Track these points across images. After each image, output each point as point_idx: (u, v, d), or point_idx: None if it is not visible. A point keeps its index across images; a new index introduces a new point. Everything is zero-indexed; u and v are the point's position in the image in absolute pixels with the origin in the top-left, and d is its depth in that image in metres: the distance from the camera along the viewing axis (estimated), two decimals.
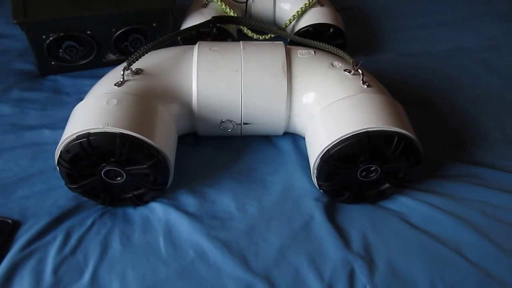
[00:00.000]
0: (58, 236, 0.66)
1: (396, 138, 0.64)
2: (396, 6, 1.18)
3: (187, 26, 0.89)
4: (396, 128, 0.65)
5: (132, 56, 0.70)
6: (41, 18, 0.82)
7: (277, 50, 0.76)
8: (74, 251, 0.65)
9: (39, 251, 0.64)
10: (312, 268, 0.64)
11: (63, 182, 0.67)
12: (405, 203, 0.73)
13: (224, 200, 0.72)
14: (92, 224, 0.68)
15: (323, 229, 0.69)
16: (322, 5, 0.97)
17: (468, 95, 0.94)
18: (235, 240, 0.67)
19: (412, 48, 1.06)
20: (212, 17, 0.87)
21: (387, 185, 0.72)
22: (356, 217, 0.71)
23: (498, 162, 0.81)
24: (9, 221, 0.67)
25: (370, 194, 0.72)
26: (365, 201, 0.73)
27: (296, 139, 0.82)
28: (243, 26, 0.95)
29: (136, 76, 0.71)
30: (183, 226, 0.68)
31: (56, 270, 0.62)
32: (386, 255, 0.66)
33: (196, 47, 0.76)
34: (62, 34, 0.84)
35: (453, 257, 0.66)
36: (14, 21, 0.80)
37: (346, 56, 0.75)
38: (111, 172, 0.66)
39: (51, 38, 0.84)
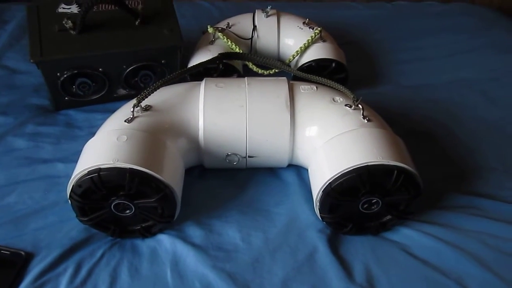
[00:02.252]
0: (69, 268, 0.68)
1: (395, 171, 0.66)
2: (396, 40, 1.21)
3: (194, 63, 0.93)
4: (396, 162, 0.67)
5: (142, 93, 0.73)
6: (57, 57, 0.86)
7: (281, 86, 0.79)
8: (84, 282, 0.67)
9: (51, 282, 0.66)
10: None
11: (75, 215, 0.70)
12: (407, 234, 0.75)
13: (230, 231, 0.74)
14: (102, 256, 0.70)
15: (326, 261, 0.70)
16: (324, 41, 1.01)
17: (468, 127, 0.96)
18: (240, 272, 0.68)
19: (412, 80, 1.08)
20: (219, 54, 0.91)
21: (388, 217, 0.73)
22: (359, 248, 0.73)
23: (499, 193, 0.82)
24: (22, 253, 0.69)
25: (372, 226, 0.74)
26: (368, 233, 0.74)
27: (300, 171, 0.84)
28: (249, 61, 0.98)
29: (145, 113, 0.74)
30: (189, 258, 0.69)
31: None
32: (389, 286, 0.68)
33: (202, 83, 0.79)
34: (75, 71, 0.88)
35: None
36: (31, 60, 0.84)
37: (347, 92, 0.78)
38: (121, 205, 0.69)
39: (65, 75, 0.88)
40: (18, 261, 0.68)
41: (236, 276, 0.67)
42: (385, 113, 0.80)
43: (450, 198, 0.81)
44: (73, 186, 0.66)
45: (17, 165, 0.83)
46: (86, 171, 0.65)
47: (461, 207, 0.79)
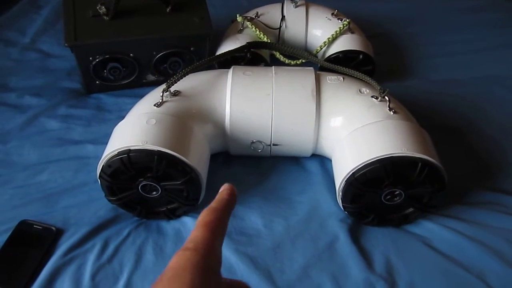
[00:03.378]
0: (96, 245, 0.71)
1: (420, 164, 0.66)
2: (425, 34, 1.19)
3: (223, 51, 0.94)
4: (420, 154, 0.67)
5: (171, 79, 0.75)
6: (90, 42, 0.88)
7: (307, 76, 0.80)
8: (110, 259, 0.69)
9: (79, 257, 0.69)
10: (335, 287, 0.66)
11: (103, 194, 0.72)
12: (429, 228, 0.74)
13: (252, 217, 0.75)
14: (128, 235, 0.72)
15: (347, 250, 0.71)
16: (352, 32, 1.00)
17: (495, 123, 0.95)
18: (261, 256, 0.70)
19: (439, 75, 1.07)
20: (247, 42, 0.92)
21: (411, 209, 0.73)
22: (380, 239, 0.73)
23: None
24: (53, 228, 0.72)
25: (394, 218, 0.74)
26: (389, 224, 0.75)
27: (323, 161, 0.85)
28: (276, 51, 0.99)
29: (174, 98, 0.76)
30: None
31: (94, 276, 0.67)
32: (409, 278, 0.68)
33: (230, 71, 0.80)
34: (107, 56, 0.90)
35: (476, 283, 0.67)
36: (66, 44, 0.86)
37: (374, 83, 0.78)
38: (148, 187, 0.71)
39: (97, 60, 0.90)
40: (49, 236, 0.71)
41: (257, 260, 0.69)
42: (411, 107, 0.79)
43: (475, 194, 0.80)
44: (103, 166, 0.68)
45: (49, 145, 0.87)
46: (116, 152, 0.67)
47: (486, 203, 0.79)
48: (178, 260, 0.29)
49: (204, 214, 0.34)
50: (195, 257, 0.29)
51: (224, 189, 0.35)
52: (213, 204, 0.34)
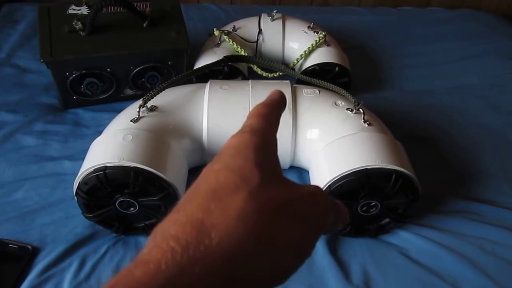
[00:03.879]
0: (74, 263, 0.70)
1: (394, 175, 0.67)
2: (401, 45, 1.22)
3: (200, 64, 0.95)
4: (394, 166, 0.68)
5: (148, 94, 0.75)
6: (66, 58, 0.88)
7: (284, 89, 0.80)
8: (88, 277, 0.68)
9: (56, 276, 0.68)
10: None
11: (80, 211, 0.72)
12: (405, 238, 0.76)
13: None
14: (106, 252, 0.72)
15: (324, 261, 0.71)
16: (328, 45, 1.02)
17: (469, 132, 0.97)
18: None
19: (415, 85, 1.10)
20: (224, 56, 0.93)
21: (387, 220, 0.74)
22: (357, 250, 0.74)
23: (498, 199, 0.83)
24: (29, 247, 0.71)
25: (370, 228, 0.75)
26: (366, 235, 0.76)
27: (301, 173, 0.86)
28: (253, 64, 1.00)
29: (151, 113, 0.76)
30: None
31: None
32: None
33: (207, 85, 0.81)
34: (84, 71, 0.90)
35: None
36: (41, 60, 0.86)
37: (349, 96, 0.79)
38: (125, 203, 0.70)
39: (74, 75, 0.90)
40: (25, 255, 0.70)
41: None
42: (386, 118, 0.81)
43: (449, 203, 0.82)
44: (79, 183, 0.68)
45: (25, 162, 0.86)
46: (92, 169, 0.67)
47: (460, 212, 0.80)
48: (238, 139, 0.28)
49: (257, 108, 0.31)
50: (255, 137, 0.28)
51: (273, 92, 0.33)
52: (265, 101, 0.32)
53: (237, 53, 0.99)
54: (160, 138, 0.73)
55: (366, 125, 0.75)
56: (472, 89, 1.09)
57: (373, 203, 0.71)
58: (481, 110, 1.03)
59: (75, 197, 0.70)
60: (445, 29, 1.30)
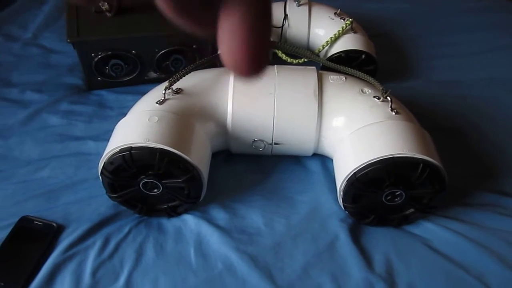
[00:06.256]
0: (97, 241, 0.71)
1: (421, 165, 0.66)
2: (427, 35, 1.20)
3: None
4: (422, 155, 0.67)
5: (174, 76, 0.75)
6: (92, 38, 0.88)
7: (310, 75, 0.80)
8: (111, 256, 0.69)
9: (79, 254, 0.69)
10: (334, 287, 0.66)
11: (104, 191, 0.72)
12: (429, 229, 0.75)
13: (253, 216, 0.75)
14: (129, 232, 0.72)
15: (347, 250, 0.71)
16: (355, 32, 1.00)
17: (497, 124, 0.95)
18: (262, 255, 0.70)
19: (442, 76, 1.07)
20: None
21: (411, 210, 0.73)
22: (380, 239, 0.73)
23: None
24: (54, 224, 0.72)
25: (394, 218, 0.74)
26: (390, 225, 0.75)
27: (324, 161, 0.85)
28: (278, 50, 0.99)
29: (176, 95, 0.76)
30: (213, 239, 0.71)
31: (94, 272, 0.67)
32: (408, 278, 0.68)
33: None
34: (109, 52, 0.90)
35: (476, 285, 0.67)
36: (68, 40, 0.86)
37: (376, 83, 0.78)
38: (149, 184, 0.71)
39: (99, 56, 0.90)
40: (50, 232, 0.71)
41: (257, 259, 0.69)
42: (413, 107, 0.79)
43: (475, 196, 0.80)
44: (105, 163, 0.68)
45: (50, 141, 0.87)
46: (118, 149, 0.67)
47: (486, 205, 0.79)
48: None
49: None
50: None
51: None
52: None
53: None
54: (185, 120, 0.73)
55: (394, 113, 0.74)
56: (500, 81, 1.06)
57: (398, 193, 0.70)
58: (510, 103, 1.01)
59: (100, 177, 0.71)
60: (476, 19, 1.26)
